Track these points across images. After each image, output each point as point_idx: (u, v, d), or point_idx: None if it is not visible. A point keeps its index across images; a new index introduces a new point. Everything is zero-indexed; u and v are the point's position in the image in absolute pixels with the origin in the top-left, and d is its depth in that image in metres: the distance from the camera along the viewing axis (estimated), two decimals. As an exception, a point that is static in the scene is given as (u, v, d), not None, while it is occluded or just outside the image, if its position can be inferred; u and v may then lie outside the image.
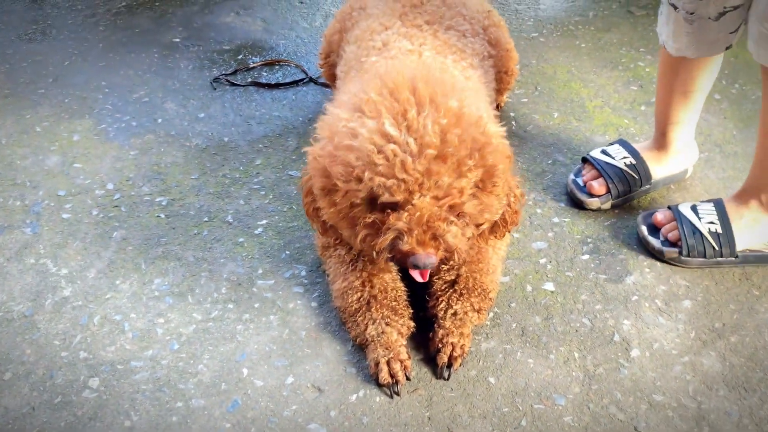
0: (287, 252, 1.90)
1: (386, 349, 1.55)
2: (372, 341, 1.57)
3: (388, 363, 1.53)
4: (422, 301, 1.66)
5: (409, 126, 1.31)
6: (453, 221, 1.37)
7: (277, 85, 2.63)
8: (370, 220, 1.38)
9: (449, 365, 1.56)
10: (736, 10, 1.65)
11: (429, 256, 1.35)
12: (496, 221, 1.53)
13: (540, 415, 1.50)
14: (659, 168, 2.02)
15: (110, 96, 2.60)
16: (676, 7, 1.72)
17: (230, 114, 2.49)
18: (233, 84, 2.65)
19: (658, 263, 1.84)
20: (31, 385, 1.57)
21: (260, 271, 1.85)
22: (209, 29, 3.06)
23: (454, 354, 1.56)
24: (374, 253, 1.40)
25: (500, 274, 1.75)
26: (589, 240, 1.93)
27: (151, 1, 3.28)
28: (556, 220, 1.99)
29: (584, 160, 2.07)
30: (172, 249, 1.92)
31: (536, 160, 2.21)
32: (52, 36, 3.01)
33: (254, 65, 2.76)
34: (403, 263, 1.39)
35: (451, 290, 1.63)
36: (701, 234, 1.80)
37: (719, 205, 1.83)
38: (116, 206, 2.07)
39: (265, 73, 2.73)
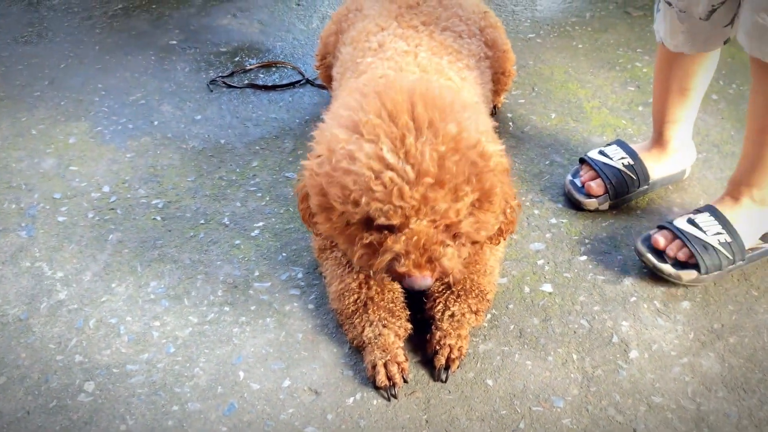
0: (284, 254, 1.89)
1: (383, 351, 1.54)
2: (369, 343, 1.56)
3: (385, 365, 1.53)
4: (419, 303, 1.65)
5: (407, 152, 1.30)
6: (449, 244, 1.37)
7: (274, 87, 2.63)
8: (367, 242, 1.38)
9: (447, 367, 1.55)
10: (724, 5, 1.63)
11: (425, 279, 1.36)
12: None
13: (538, 417, 1.49)
14: (657, 168, 2.01)
15: (106, 98, 2.59)
16: (670, 3, 1.72)
17: (227, 116, 2.48)
18: (230, 86, 2.64)
19: (657, 264, 1.83)
20: (26, 389, 1.56)
21: (257, 274, 1.84)
22: (206, 31, 3.05)
23: (452, 356, 1.55)
24: (371, 272, 1.42)
25: (498, 275, 1.74)
26: (587, 241, 1.92)
27: (147, 4, 3.28)
28: (553, 221, 1.98)
29: (582, 161, 2.07)
30: (168, 251, 1.91)
31: (533, 161, 2.20)
32: (48, 38, 3.01)
33: (251, 67, 2.76)
34: (400, 281, 1.41)
35: (448, 292, 1.62)
36: (713, 247, 1.73)
37: (715, 213, 1.78)
38: (112, 209, 2.07)
39: (261, 75, 2.72)
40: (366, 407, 1.51)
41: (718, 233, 1.74)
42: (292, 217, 2.01)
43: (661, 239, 1.77)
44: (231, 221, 2.01)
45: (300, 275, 1.83)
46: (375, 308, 1.59)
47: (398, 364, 1.53)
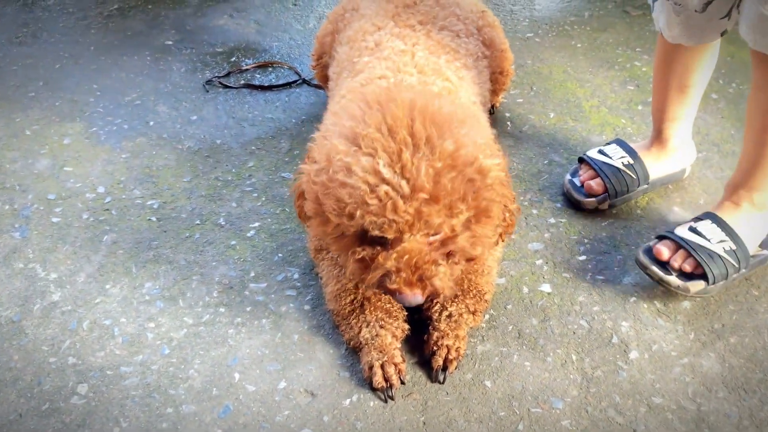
0: (280, 255, 1.87)
1: (380, 352, 1.52)
2: (366, 344, 1.54)
3: (382, 366, 1.51)
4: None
5: (403, 167, 1.30)
6: (441, 263, 1.37)
7: (270, 87, 2.61)
8: (360, 257, 1.38)
9: (444, 368, 1.53)
10: None
11: (415, 296, 1.37)
12: None
13: (537, 419, 1.47)
14: (657, 167, 2.00)
15: (102, 99, 2.57)
16: None
17: (223, 116, 2.46)
18: (226, 86, 2.63)
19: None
20: (19, 392, 1.54)
21: (252, 274, 1.82)
22: (202, 32, 3.04)
23: (450, 357, 1.53)
24: (363, 286, 1.44)
25: (496, 275, 1.72)
26: (586, 240, 1.90)
27: (143, 4, 3.26)
28: (552, 220, 1.97)
29: (581, 160, 2.05)
30: (163, 252, 1.90)
31: (532, 161, 2.19)
32: (43, 39, 2.99)
33: (247, 67, 2.74)
34: (391, 296, 1.41)
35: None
36: (719, 256, 1.67)
37: (717, 219, 1.73)
38: (107, 210, 2.05)
39: (258, 75, 2.71)
40: (363, 409, 1.49)
41: (722, 241, 1.69)
42: (288, 217, 1.99)
43: (664, 250, 1.70)
44: (227, 222, 1.99)
45: (296, 276, 1.81)
46: (372, 309, 1.58)
47: (395, 365, 1.51)
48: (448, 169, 1.31)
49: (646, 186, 2.00)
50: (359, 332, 1.56)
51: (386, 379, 1.50)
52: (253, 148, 2.29)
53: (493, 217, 1.41)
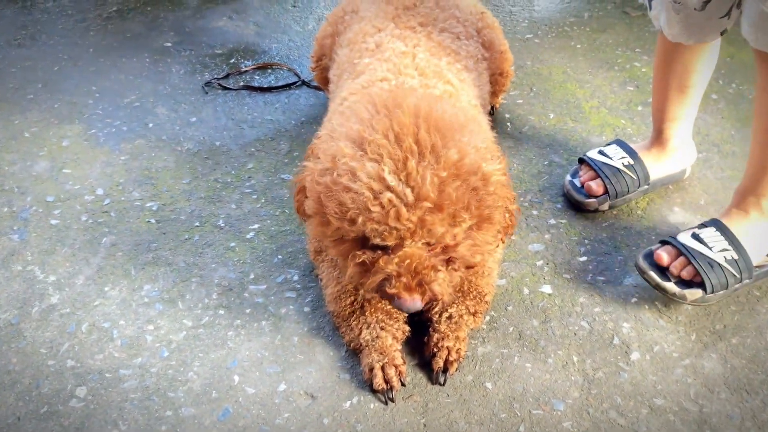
0: (279, 256, 1.87)
1: (381, 354, 1.52)
2: (366, 346, 1.54)
3: (382, 368, 1.50)
4: (417, 305, 1.63)
5: (408, 175, 1.29)
6: (440, 269, 1.37)
7: (270, 89, 2.61)
8: (360, 261, 1.38)
9: (445, 370, 1.53)
10: None
11: (414, 302, 1.36)
12: None
13: (538, 420, 1.46)
14: (657, 167, 1.99)
15: (100, 101, 2.57)
16: None
17: (222, 118, 2.46)
18: (225, 88, 2.62)
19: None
20: (17, 395, 1.54)
21: (252, 276, 1.81)
22: (201, 33, 3.03)
23: (450, 359, 1.53)
24: (362, 290, 1.42)
25: (496, 276, 1.71)
26: (586, 241, 1.90)
27: (142, 6, 3.26)
28: (552, 221, 1.96)
29: (581, 161, 2.05)
30: (163, 254, 1.89)
31: (532, 162, 2.18)
32: (42, 41, 2.98)
33: (246, 69, 2.73)
34: (389, 301, 1.40)
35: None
36: (719, 265, 1.64)
37: (722, 227, 1.70)
38: (106, 212, 2.04)
39: (257, 77, 2.70)
40: (363, 411, 1.49)
41: (725, 250, 1.67)
42: (287, 219, 1.99)
43: (664, 255, 1.68)
44: (226, 224, 1.98)
45: (296, 278, 1.80)
46: (372, 310, 1.57)
47: (396, 366, 1.51)
48: (452, 178, 1.31)
49: (646, 186, 2.00)
50: (360, 334, 1.55)
51: (387, 381, 1.49)
52: (252, 149, 2.28)
53: (494, 223, 1.41)
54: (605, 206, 1.97)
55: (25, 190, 2.13)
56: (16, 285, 1.81)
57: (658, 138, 2.00)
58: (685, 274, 1.66)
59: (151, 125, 2.43)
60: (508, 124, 2.36)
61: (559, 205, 2.02)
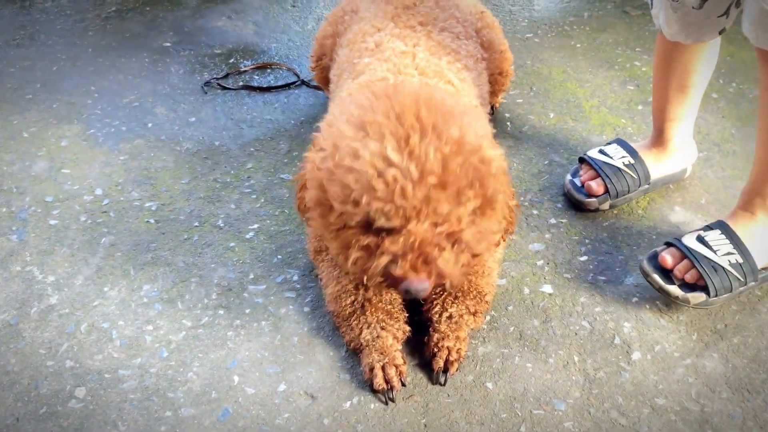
0: (279, 256, 1.86)
1: (381, 354, 1.51)
2: (366, 346, 1.53)
3: (383, 368, 1.49)
4: (417, 305, 1.62)
5: (411, 152, 1.27)
6: (445, 247, 1.33)
7: (269, 89, 2.60)
8: (365, 243, 1.34)
9: (445, 370, 1.52)
10: None
11: (422, 282, 1.31)
12: None
13: (539, 420, 1.46)
14: (658, 167, 1.99)
15: (99, 101, 2.56)
16: None
17: (221, 118, 2.45)
18: (224, 88, 2.62)
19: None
20: (16, 396, 1.53)
21: (251, 276, 1.81)
22: (200, 33, 3.03)
23: (450, 358, 1.52)
24: (365, 277, 1.37)
25: (496, 276, 1.71)
26: (587, 241, 1.89)
27: (141, 6, 3.25)
28: (553, 221, 1.96)
29: (581, 160, 2.04)
30: (162, 254, 1.88)
31: (532, 161, 2.18)
32: (41, 41, 2.98)
33: (246, 69, 2.73)
34: (395, 288, 1.36)
35: (445, 293, 1.59)
36: (723, 269, 1.63)
37: (727, 230, 1.68)
38: (105, 212, 2.03)
39: (256, 77, 2.70)
40: (363, 411, 1.48)
41: (729, 253, 1.65)
42: (287, 219, 1.98)
43: (668, 258, 1.67)
44: (225, 223, 1.98)
45: (295, 278, 1.80)
46: (373, 310, 1.57)
47: (396, 366, 1.50)
48: (455, 154, 1.29)
49: (647, 186, 1.99)
50: (360, 333, 1.54)
51: (387, 381, 1.48)
52: (251, 149, 2.28)
53: (497, 209, 1.39)
54: (606, 206, 1.97)
55: (23, 190, 2.12)
56: (14, 285, 1.80)
57: (658, 138, 1.99)
58: (689, 277, 1.65)
59: (150, 125, 2.42)
60: (508, 123, 2.36)
61: (559, 205, 2.01)
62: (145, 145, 2.32)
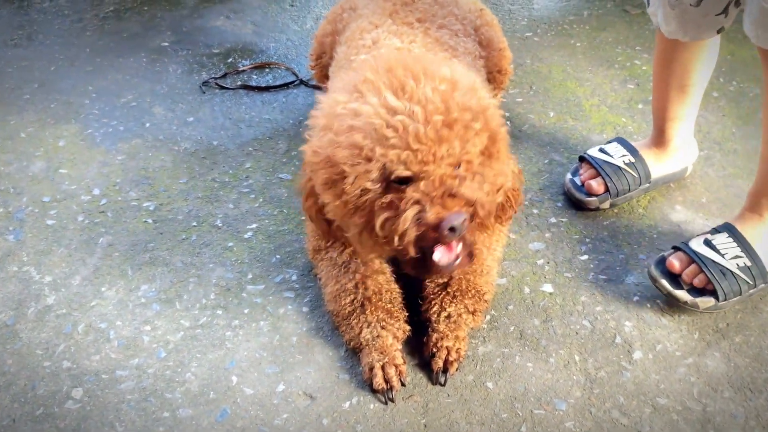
0: (277, 256, 1.85)
1: (381, 353, 1.50)
2: (366, 345, 1.52)
3: (382, 368, 1.48)
4: (416, 304, 1.61)
5: (411, 97, 1.28)
6: (465, 176, 1.32)
7: (267, 88, 2.59)
8: (388, 201, 1.30)
9: (445, 370, 1.51)
10: None
11: (459, 214, 1.28)
12: (501, 202, 1.49)
13: (540, 420, 1.45)
14: (658, 166, 1.98)
15: (97, 101, 2.55)
16: None
17: (219, 117, 2.44)
18: (223, 87, 2.61)
19: (659, 263, 1.79)
20: (12, 397, 1.52)
21: (250, 276, 1.80)
22: (198, 33, 3.02)
23: (450, 358, 1.51)
24: (397, 239, 1.31)
25: (496, 275, 1.70)
26: (587, 240, 1.88)
27: (139, 6, 3.24)
28: (553, 220, 1.95)
29: (582, 159, 2.03)
30: (160, 254, 1.87)
31: (532, 160, 2.17)
32: (38, 41, 2.97)
33: (244, 68, 2.72)
34: (431, 241, 1.31)
35: (443, 293, 1.58)
36: (732, 273, 1.61)
37: (734, 233, 1.66)
38: (102, 212, 2.02)
39: (255, 76, 2.69)
40: (363, 411, 1.47)
41: (737, 257, 1.63)
42: (285, 218, 1.97)
43: (676, 262, 1.65)
44: (224, 223, 1.96)
45: (294, 277, 1.79)
46: (373, 309, 1.55)
47: (396, 366, 1.49)
48: (452, 91, 1.30)
49: (647, 185, 1.98)
50: (360, 333, 1.53)
51: (387, 381, 1.47)
52: (250, 149, 2.27)
53: (502, 149, 1.40)
54: (606, 204, 1.95)
55: (21, 190, 2.11)
56: (11, 286, 1.79)
57: (659, 137, 1.98)
58: (698, 282, 1.63)
59: (148, 125, 2.41)
60: (508, 122, 2.35)
61: (559, 204, 2.00)
62: (143, 144, 2.31)
